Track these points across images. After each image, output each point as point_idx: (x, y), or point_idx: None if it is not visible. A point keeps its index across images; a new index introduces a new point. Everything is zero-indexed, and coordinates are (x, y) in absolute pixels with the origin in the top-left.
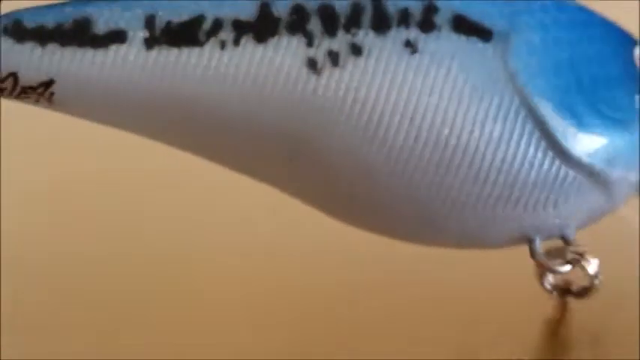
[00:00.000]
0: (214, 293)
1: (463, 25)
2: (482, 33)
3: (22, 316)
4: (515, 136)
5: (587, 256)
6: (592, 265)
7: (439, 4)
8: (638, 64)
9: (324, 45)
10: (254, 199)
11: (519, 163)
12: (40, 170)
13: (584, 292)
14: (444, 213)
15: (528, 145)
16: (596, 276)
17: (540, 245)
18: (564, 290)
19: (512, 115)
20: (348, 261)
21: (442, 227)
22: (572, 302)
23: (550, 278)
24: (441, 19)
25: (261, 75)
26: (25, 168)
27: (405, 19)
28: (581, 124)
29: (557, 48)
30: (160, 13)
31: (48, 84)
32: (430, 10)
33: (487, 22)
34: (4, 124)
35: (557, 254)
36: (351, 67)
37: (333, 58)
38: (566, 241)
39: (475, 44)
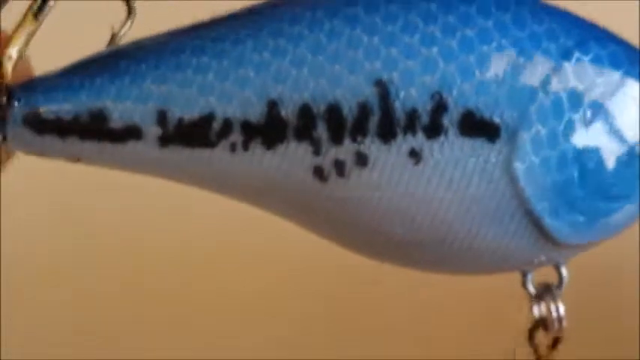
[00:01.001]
0: (214, 294)
1: (471, 125)
2: (489, 131)
3: (22, 317)
4: (511, 233)
5: (558, 301)
6: (560, 309)
7: (450, 100)
8: None
9: (330, 153)
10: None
11: (514, 251)
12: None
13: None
14: (443, 271)
15: (523, 237)
16: (560, 320)
17: (531, 277)
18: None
19: (509, 215)
20: (349, 261)
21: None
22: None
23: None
24: (449, 119)
25: (270, 179)
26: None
27: (412, 122)
28: (578, 222)
29: (566, 137)
30: (172, 108)
31: None
32: (439, 110)
33: (497, 116)
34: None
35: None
36: (356, 177)
37: (339, 168)
38: (558, 272)
39: (480, 148)
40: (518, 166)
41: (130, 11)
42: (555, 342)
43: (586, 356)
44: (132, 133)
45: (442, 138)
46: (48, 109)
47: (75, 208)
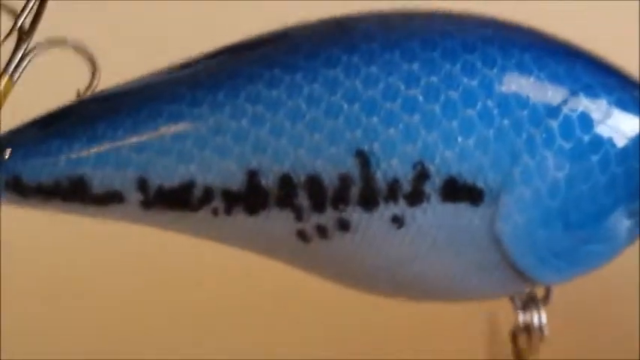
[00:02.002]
0: (214, 294)
1: (454, 191)
2: (472, 195)
3: (22, 317)
4: (494, 280)
5: (542, 312)
6: (542, 318)
7: (432, 168)
8: None
9: (312, 219)
10: None
11: (497, 291)
12: None
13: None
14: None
15: (506, 281)
16: (542, 329)
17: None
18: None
19: (492, 267)
20: None
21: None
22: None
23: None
24: (432, 186)
25: (253, 239)
26: None
27: (393, 191)
28: (561, 267)
29: (550, 196)
30: (152, 176)
31: None
32: (421, 178)
33: (480, 181)
34: None
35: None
36: (339, 240)
37: (322, 231)
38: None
39: (463, 212)
40: (502, 228)
41: (95, 70)
42: (536, 346)
43: (586, 356)
44: (113, 197)
45: (424, 204)
46: (28, 176)
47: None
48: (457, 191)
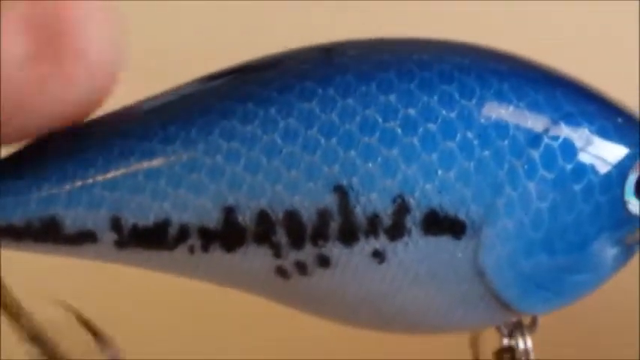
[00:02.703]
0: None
1: (435, 224)
2: (454, 228)
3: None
4: (479, 311)
5: (527, 337)
6: (528, 344)
7: (412, 202)
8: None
9: (291, 256)
10: None
11: (483, 322)
12: None
13: None
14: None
15: (492, 312)
16: (528, 353)
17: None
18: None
19: (476, 301)
20: None
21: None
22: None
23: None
24: (412, 220)
25: (232, 277)
26: None
27: (373, 226)
28: (546, 298)
29: (533, 227)
30: (125, 214)
31: None
32: (401, 212)
33: (462, 213)
34: None
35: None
36: (319, 276)
37: (301, 268)
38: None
39: (445, 245)
40: (485, 260)
41: None
42: None
43: (586, 356)
44: (87, 237)
45: (405, 238)
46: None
47: None
48: (438, 224)
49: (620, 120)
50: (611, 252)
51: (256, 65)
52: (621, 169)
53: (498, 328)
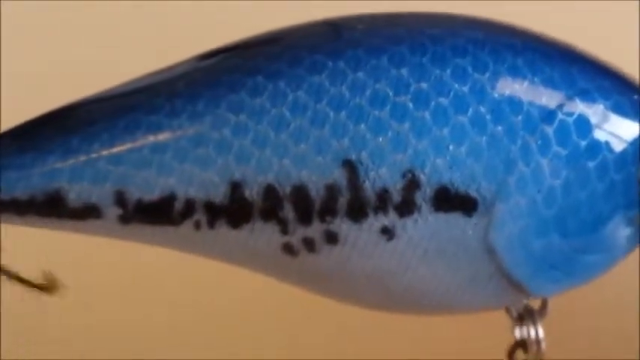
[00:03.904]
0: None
1: (445, 200)
2: (465, 205)
3: (22, 317)
4: (489, 292)
5: (538, 325)
6: (539, 332)
7: (422, 177)
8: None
9: (298, 232)
10: None
11: (492, 304)
12: None
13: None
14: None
15: (502, 294)
16: (539, 343)
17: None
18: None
19: (486, 279)
20: None
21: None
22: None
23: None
24: (423, 196)
25: (238, 254)
26: None
27: (383, 202)
28: (557, 278)
29: (545, 205)
30: (130, 189)
31: None
32: (411, 188)
33: (473, 189)
34: None
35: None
36: (327, 253)
37: (309, 244)
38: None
39: (455, 221)
40: (496, 238)
41: None
42: None
43: (586, 356)
44: (91, 212)
45: (415, 215)
46: (2, 190)
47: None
48: (449, 201)
49: (636, 97)
50: (624, 232)
51: (259, 41)
52: (637, 146)
53: (508, 313)
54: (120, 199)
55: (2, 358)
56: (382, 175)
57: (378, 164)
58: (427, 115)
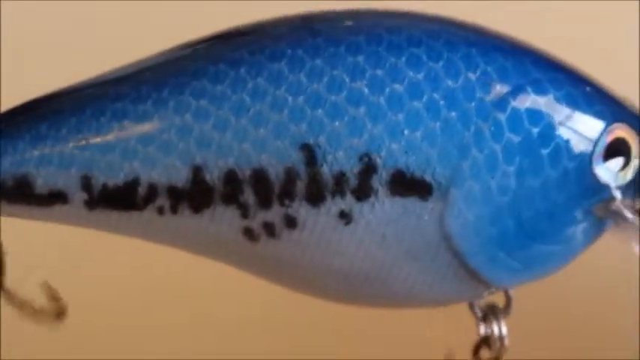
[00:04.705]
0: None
1: (401, 185)
2: (421, 189)
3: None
4: (448, 281)
5: (501, 322)
6: (502, 329)
7: (378, 161)
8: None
9: (259, 216)
10: None
11: (454, 294)
12: None
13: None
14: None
15: (461, 283)
16: (502, 339)
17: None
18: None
19: (444, 268)
20: None
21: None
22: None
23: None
24: (379, 180)
25: (201, 241)
26: None
27: (340, 186)
28: (514, 269)
29: (500, 191)
30: (96, 174)
31: None
32: (368, 171)
33: (428, 174)
34: None
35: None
36: (287, 238)
37: (269, 229)
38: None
39: (412, 206)
40: (452, 224)
41: None
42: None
43: (586, 356)
44: (57, 197)
45: (372, 199)
46: None
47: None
48: (405, 185)
49: (588, 89)
50: (580, 223)
51: (237, 31)
52: (590, 136)
53: (472, 310)
54: (86, 184)
55: (2, 358)
56: (339, 158)
57: (335, 148)
58: (382, 100)
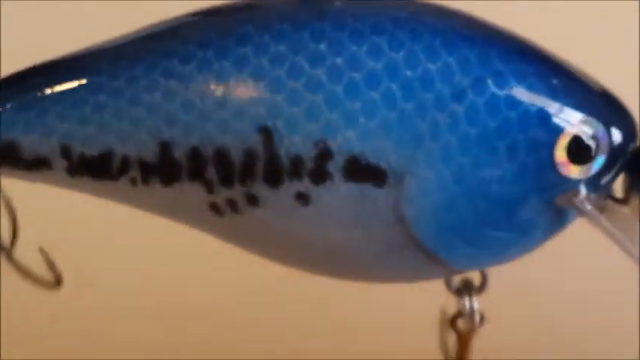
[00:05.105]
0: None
1: (357, 171)
2: (376, 176)
3: (22, 317)
4: (408, 262)
5: (474, 298)
6: (474, 304)
7: (334, 147)
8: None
9: (222, 193)
10: None
11: (415, 274)
12: None
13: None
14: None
15: (421, 264)
16: (473, 314)
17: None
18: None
19: (402, 250)
20: None
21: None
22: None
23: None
24: (335, 165)
25: (173, 211)
26: None
27: (297, 169)
28: (471, 254)
29: (455, 181)
30: (74, 144)
31: None
32: (323, 157)
33: (383, 162)
34: None
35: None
36: (249, 214)
37: (232, 205)
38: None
39: (367, 192)
40: (407, 211)
41: None
42: (470, 333)
43: (586, 356)
44: (42, 163)
45: (328, 183)
46: None
47: (75, 207)
48: (360, 171)
49: (556, 81)
50: (541, 214)
51: (210, 11)
52: (552, 130)
53: (448, 286)
54: (65, 153)
55: (2, 358)
56: (296, 143)
57: (292, 132)
58: (340, 89)
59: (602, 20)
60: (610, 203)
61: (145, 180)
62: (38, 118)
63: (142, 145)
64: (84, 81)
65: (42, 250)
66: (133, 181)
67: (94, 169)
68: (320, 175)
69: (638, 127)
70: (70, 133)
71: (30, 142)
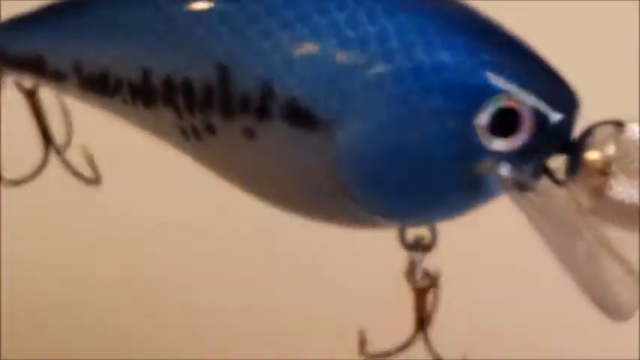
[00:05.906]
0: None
1: (293, 114)
2: (309, 122)
3: (22, 317)
4: (341, 208)
5: (424, 255)
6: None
7: (276, 89)
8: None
9: (187, 120)
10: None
11: (349, 220)
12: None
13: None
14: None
15: (354, 213)
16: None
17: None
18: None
19: (335, 195)
20: None
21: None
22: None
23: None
24: (277, 106)
25: (155, 130)
26: None
27: (245, 104)
28: (398, 208)
29: (378, 137)
30: (84, 62)
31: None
32: (267, 97)
33: (316, 109)
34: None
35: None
36: (208, 141)
37: (195, 132)
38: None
39: (302, 135)
40: (337, 158)
41: None
42: (425, 290)
43: (586, 356)
44: (61, 76)
45: (269, 121)
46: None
47: (75, 207)
48: (296, 115)
49: (488, 57)
50: (459, 181)
51: None
52: (476, 99)
53: (401, 240)
54: (77, 69)
55: (2, 358)
56: (245, 81)
57: (242, 72)
58: (286, 38)
59: (602, 20)
60: (544, 184)
61: (133, 101)
62: (63, 39)
63: (130, 70)
64: (92, 12)
65: (84, 149)
66: (125, 101)
67: (96, 86)
68: (263, 113)
69: (579, 111)
70: (81, 52)
71: (53, 57)
